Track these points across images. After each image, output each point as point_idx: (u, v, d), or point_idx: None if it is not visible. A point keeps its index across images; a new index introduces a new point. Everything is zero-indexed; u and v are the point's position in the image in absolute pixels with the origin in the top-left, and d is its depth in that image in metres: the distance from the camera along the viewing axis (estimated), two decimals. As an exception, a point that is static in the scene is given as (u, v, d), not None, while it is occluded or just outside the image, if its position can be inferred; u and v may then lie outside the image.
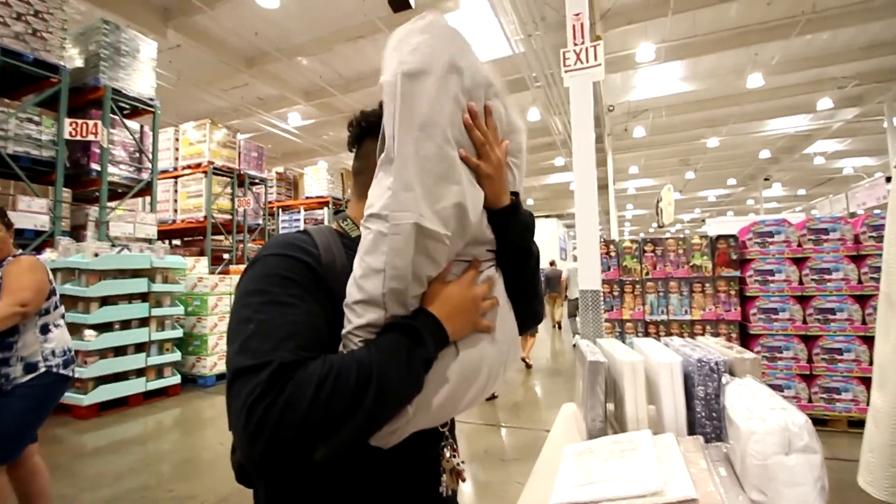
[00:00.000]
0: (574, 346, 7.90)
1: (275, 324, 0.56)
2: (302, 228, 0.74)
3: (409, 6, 5.74)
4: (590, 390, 1.24)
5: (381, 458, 0.68)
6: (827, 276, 3.41)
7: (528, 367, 6.45)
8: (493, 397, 5.15)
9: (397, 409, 0.59)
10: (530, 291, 0.84)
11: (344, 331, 0.61)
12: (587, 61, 3.30)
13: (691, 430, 1.17)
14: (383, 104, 0.66)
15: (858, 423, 3.39)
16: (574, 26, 3.32)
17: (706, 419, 1.15)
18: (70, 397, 4.36)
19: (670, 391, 1.18)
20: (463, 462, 0.76)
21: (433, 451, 0.74)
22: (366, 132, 0.78)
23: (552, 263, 10.08)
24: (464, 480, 0.76)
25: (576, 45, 3.32)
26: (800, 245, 3.53)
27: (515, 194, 0.79)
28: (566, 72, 3.36)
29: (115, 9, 6.44)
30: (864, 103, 10.26)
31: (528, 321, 0.85)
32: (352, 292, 0.62)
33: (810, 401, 3.42)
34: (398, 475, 0.70)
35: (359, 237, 0.76)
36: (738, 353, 1.24)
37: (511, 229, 0.77)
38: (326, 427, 0.51)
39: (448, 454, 0.74)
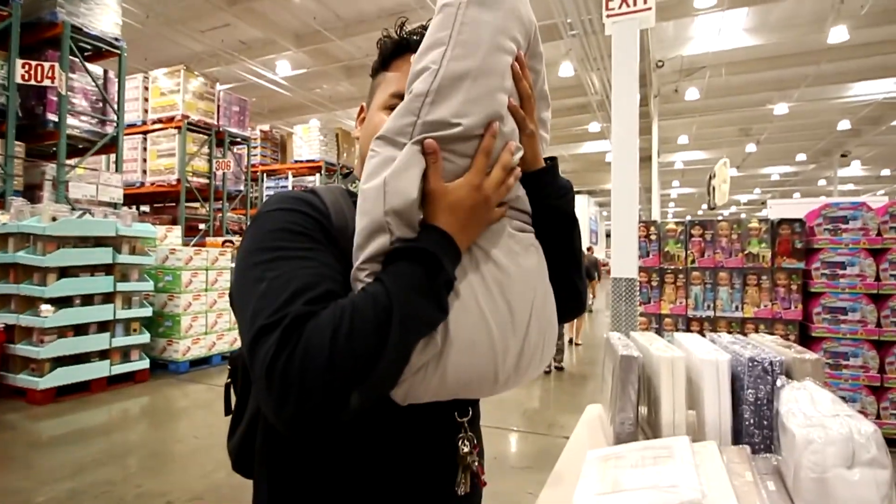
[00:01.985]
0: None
1: (288, 279, 0.58)
2: (307, 187, 0.75)
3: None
4: (620, 389, 1.25)
5: (390, 447, 0.71)
6: (910, 272, 3.36)
7: (577, 345, 8.04)
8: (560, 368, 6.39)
9: (426, 333, 0.61)
10: (574, 267, 0.84)
11: (352, 271, 0.63)
12: (634, 4, 3.23)
13: (737, 440, 1.18)
14: (430, 30, 0.68)
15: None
16: (621, -39, 3.24)
17: (755, 427, 1.16)
18: (24, 380, 4.51)
19: (715, 394, 1.18)
20: (483, 461, 0.78)
21: (448, 445, 0.75)
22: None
23: (589, 249, 10.07)
24: (483, 484, 0.78)
25: (622, -17, 3.24)
26: (880, 234, 3.46)
27: (552, 158, 0.82)
28: (609, 16, 3.29)
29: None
30: (970, 66, 9.92)
31: (569, 305, 0.85)
32: (356, 224, 0.64)
33: (879, 416, 3.41)
34: (407, 466, 0.72)
35: None
36: (797, 352, 1.23)
37: (552, 192, 0.79)
38: (355, 369, 0.54)
39: (465, 449, 0.75)
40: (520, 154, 0.71)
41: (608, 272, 9.34)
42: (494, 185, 0.66)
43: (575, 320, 7.89)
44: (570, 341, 7.98)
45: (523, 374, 0.72)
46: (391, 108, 0.73)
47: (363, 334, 0.54)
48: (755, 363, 1.15)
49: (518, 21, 0.71)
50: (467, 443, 0.76)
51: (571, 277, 0.83)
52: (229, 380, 0.83)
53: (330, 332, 0.53)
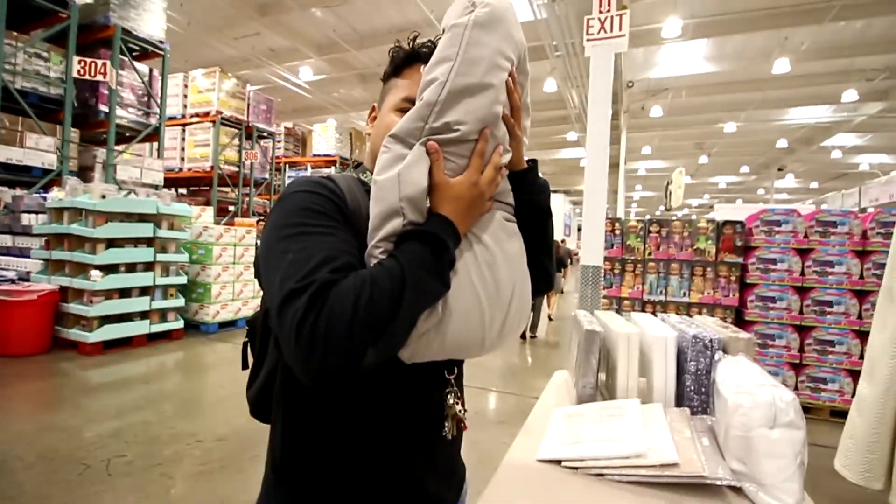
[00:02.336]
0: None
1: (312, 251, 0.58)
2: (325, 175, 0.74)
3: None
4: (584, 358, 1.26)
5: (390, 397, 0.72)
6: (829, 270, 3.40)
7: (550, 319, 8.03)
8: (533, 336, 6.56)
9: (432, 303, 0.62)
10: (545, 252, 0.86)
11: (368, 248, 0.64)
12: (611, 31, 3.19)
13: (679, 403, 1.19)
14: (440, 46, 0.68)
15: (841, 413, 3.46)
16: (601, -8, 3.19)
17: (694, 393, 1.17)
18: (76, 334, 4.48)
19: (662, 364, 1.19)
20: (465, 411, 0.79)
21: (437, 397, 0.77)
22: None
23: (563, 241, 10.00)
24: (465, 428, 0.80)
25: (601, 12, 3.19)
26: (806, 236, 3.50)
27: (533, 161, 0.83)
28: (588, 40, 3.25)
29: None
30: (891, 98, 9.93)
31: (540, 284, 0.86)
32: (371, 209, 0.65)
33: (796, 388, 3.48)
34: (404, 413, 0.74)
35: None
36: (732, 332, 1.25)
37: (532, 189, 0.80)
38: (373, 331, 0.55)
39: (451, 401, 0.77)
40: (508, 156, 0.73)
41: (578, 260, 9.42)
42: (487, 181, 0.67)
43: (551, 298, 8.20)
44: (549, 316, 8.13)
45: (503, 340, 0.74)
46: (402, 110, 0.73)
47: (380, 302, 0.55)
48: (697, 340, 1.16)
49: (512, 42, 0.71)
50: (453, 396, 0.78)
51: (542, 261, 0.84)
52: (247, 339, 0.83)
53: (352, 298, 0.54)
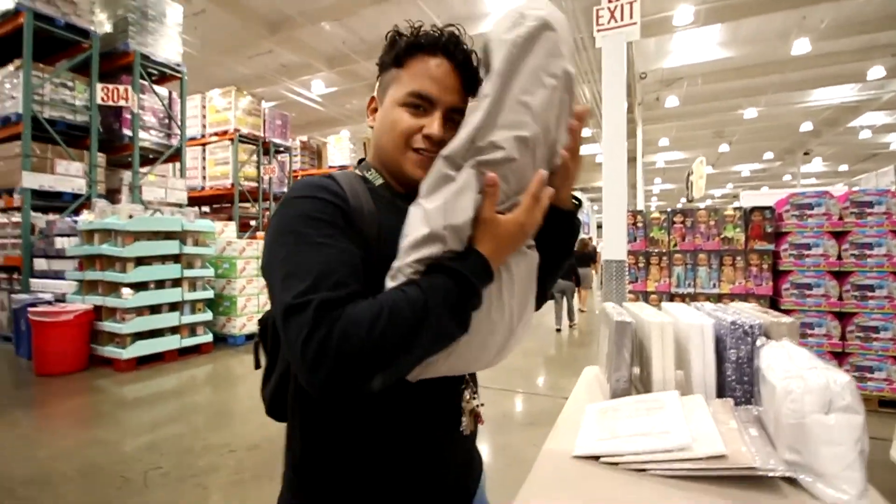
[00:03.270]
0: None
1: (311, 263, 0.58)
2: (326, 174, 0.73)
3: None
4: (615, 351, 1.22)
5: (407, 396, 0.70)
6: (868, 252, 3.24)
7: (582, 311, 8.57)
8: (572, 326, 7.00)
9: (446, 345, 0.62)
10: (551, 280, 0.85)
11: (397, 263, 0.63)
12: (622, 19, 3.13)
13: (720, 394, 1.14)
14: (495, 62, 0.67)
15: (890, 403, 3.28)
16: (610, -18, 3.14)
17: (736, 382, 1.12)
18: (110, 351, 4.61)
19: (700, 353, 1.14)
20: (482, 404, 0.79)
21: (454, 393, 0.77)
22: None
23: (590, 239, 9.86)
24: (482, 422, 0.79)
25: (610, 1, 3.14)
26: (841, 218, 3.35)
27: (577, 200, 0.81)
28: (599, 31, 3.20)
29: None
30: (921, 72, 9.50)
31: (538, 303, 0.86)
32: (411, 225, 0.64)
33: (840, 379, 3.33)
34: (421, 413, 0.73)
35: (382, 185, 0.75)
36: (774, 317, 1.19)
37: (570, 232, 0.80)
38: (384, 359, 0.55)
39: (468, 396, 0.77)
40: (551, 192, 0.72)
41: (600, 257, 9.38)
42: (534, 224, 0.67)
43: (581, 293, 8.59)
44: (579, 309, 8.43)
45: (506, 357, 0.75)
46: (408, 105, 0.71)
47: (396, 333, 0.55)
48: (736, 326, 1.11)
49: (559, 60, 0.69)
50: (469, 391, 0.78)
51: (546, 284, 0.82)
52: (258, 338, 0.82)
53: (368, 323, 0.54)
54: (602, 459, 0.93)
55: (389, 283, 0.62)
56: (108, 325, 4.66)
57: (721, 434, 0.88)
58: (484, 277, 0.63)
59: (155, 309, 4.88)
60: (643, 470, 0.88)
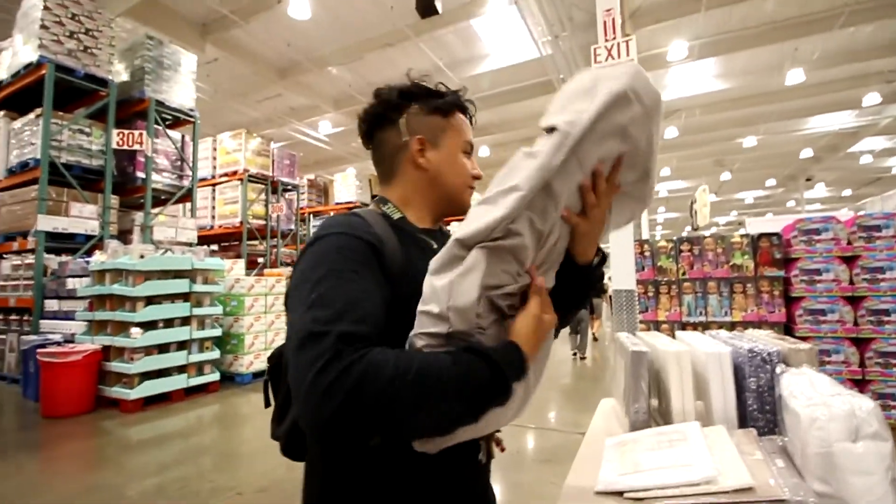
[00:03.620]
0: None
1: (338, 295, 0.59)
2: (351, 211, 0.76)
3: (437, 12, 5.81)
4: (632, 382, 1.21)
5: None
6: (880, 276, 3.21)
7: (595, 339, 8.89)
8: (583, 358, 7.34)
9: (456, 428, 0.62)
10: (565, 325, 0.89)
11: (413, 332, 0.65)
12: (619, 57, 3.25)
13: (742, 425, 1.12)
14: (541, 150, 0.68)
15: (918, 433, 3.16)
16: (605, 22, 3.28)
17: (758, 412, 1.10)
18: (117, 392, 4.58)
19: (719, 383, 1.13)
20: (499, 431, 0.79)
21: None
22: (373, 127, 0.87)
23: None
24: (502, 449, 0.79)
25: (607, 41, 3.27)
26: (849, 243, 3.34)
27: (601, 251, 0.83)
28: (597, 68, 3.31)
29: (158, 25, 6.77)
30: (916, 97, 9.68)
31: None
32: (424, 298, 0.66)
33: (863, 408, 3.23)
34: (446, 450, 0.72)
35: (401, 219, 0.79)
36: (791, 343, 1.18)
37: (586, 284, 0.83)
38: (394, 415, 0.54)
39: None
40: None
41: (607, 288, 9.33)
42: (551, 323, 0.70)
43: (594, 322, 8.95)
44: (593, 336, 8.86)
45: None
46: (466, 153, 0.87)
47: (417, 394, 0.54)
48: (754, 353, 1.10)
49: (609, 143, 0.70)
50: None
51: (560, 327, 0.86)
52: (267, 377, 0.82)
53: (392, 371, 0.53)
54: (626, 495, 0.91)
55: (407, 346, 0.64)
56: (115, 366, 4.64)
57: (747, 465, 0.86)
58: (519, 373, 0.64)
59: (163, 348, 4.87)
60: (669, 505, 0.86)
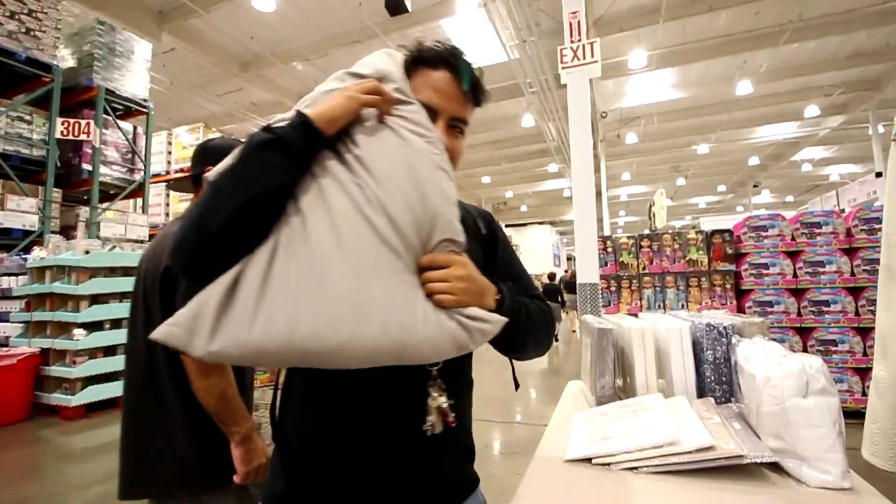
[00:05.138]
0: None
1: None
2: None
3: (406, 10, 5.80)
4: (599, 357, 1.24)
5: (365, 388, 0.70)
6: (821, 269, 3.45)
7: (574, 331, 9.34)
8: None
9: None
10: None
11: None
12: (584, 58, 3.35)
13: (701, 395, 1.17)
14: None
15: (854, 414, 3.40)
16: (571, 24, 3.37)
17: (716, 383, 1.15)
18: (57, 398, 4.26)
19: (679, 356, 1.18)
20: (452, 402, 0.72)
21: (418, 390, 0.71)
22: None
23: (552, 277, 10.06)
24: (451, 423, 0.71)
25: (573, 42, 3.37)
26: (793, 239, 3.58)
27: (500, 292, 0.72)
28: (563, 68, 3.40)
29: (110, 11, 6.41)
30: (850, 111, 10.50)
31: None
32: None
33: (807, 394, 3.45)
34: (378, 408, 0.71)
35: None
36: (746, 318, 1.24)
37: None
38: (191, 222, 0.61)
39: (435, 394, 0.71)
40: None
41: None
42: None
43: (570, 313, 9.50)
44: (573, 331, 9.48)
45: (364, 342, 0.57)
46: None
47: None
48: (711, 327, 1.15)
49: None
50: (437, 388, 0.71)
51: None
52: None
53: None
54: (594, 461, 0.93)
55: None
56: (56, 370, 4.32)
57: (707, 429, 0.90)
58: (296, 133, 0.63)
59: (110, 350, 4.58)
60: (635, 468, 0.88)
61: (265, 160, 0.60)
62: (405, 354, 0.58)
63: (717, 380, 1.15)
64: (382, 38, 7.28)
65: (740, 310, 3.60)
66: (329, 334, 0.54)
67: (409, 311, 0.59)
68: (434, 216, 0.63)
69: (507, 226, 20.20)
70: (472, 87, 0.77)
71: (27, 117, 5.45)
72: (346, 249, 0.58)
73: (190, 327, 0.54)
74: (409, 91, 0.72)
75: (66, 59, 6.01)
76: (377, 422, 0.70)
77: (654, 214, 10.04)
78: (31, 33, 5.35)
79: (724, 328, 1.16)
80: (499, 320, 0.66)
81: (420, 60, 0.77)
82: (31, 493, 2.79)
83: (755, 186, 17.16)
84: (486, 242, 0.85)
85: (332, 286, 0.56)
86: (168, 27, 7.11)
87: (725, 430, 0.90)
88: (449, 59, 0.76)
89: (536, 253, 20.48)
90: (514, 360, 0.86)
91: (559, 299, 8.93)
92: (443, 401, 0.71)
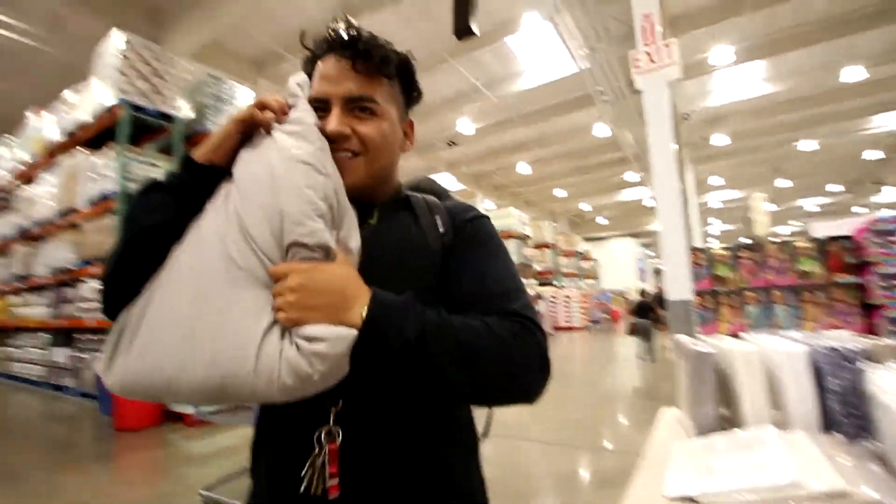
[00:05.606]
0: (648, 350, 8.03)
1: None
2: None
3: (474, 34, 5.93)
4: (697, 383, 1.15)
5: (274, 428, 0.71)
6: (974, 279, 2.89)
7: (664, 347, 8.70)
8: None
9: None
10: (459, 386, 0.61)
11: None
12: (660, 61, 3.20)
13: (824, 430, 1.03)
14: None
15: None
16: (644, 27, 3.25)
17: (843, 416, 1.01)
18: (180, 406, 4.81)
19: (795, 384, 1.05)
20: (335, 469, 0.55)
21: (306, 437, 0.58)
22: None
23: (643, 293, 9.63)
24: (331, 494, 0.55)
25: (646, 45, 3.24)
26: (934, 244, 3.04)
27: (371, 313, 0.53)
28: (636, 73, 3.28)
29: (215, 63, 7.36)
30: None
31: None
32: None
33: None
34: (281, 457, 0.65)
35: None
36: (877, 340, 1.08)
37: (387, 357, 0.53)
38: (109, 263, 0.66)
39: (322, 443, 0.57)
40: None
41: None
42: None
43: (662, 328, 8.56)
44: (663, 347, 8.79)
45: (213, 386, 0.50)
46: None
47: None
48: (835, 351, 1.02)
49: None
50: (327, 437, 0.57)
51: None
52: None
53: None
54: (699, 500, 0.85)
55: None
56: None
57: (836, 470, 0.79)
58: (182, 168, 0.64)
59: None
60: (749, 510, 0.80)
61: (147, 202, 0.62)
62: (242, 392, 0.49)
63: (844, 413, 1.01)
64: (451, 62, 7.52)
65: (869, 330, 3.12)
66: (166, 367, 0.50)
67: (245, 339, 0.50)
68: (282, 218, 0.54)
69: (585, 239, 19.48)
70: (365, 57, 0.67)
71: (156, 163, 6.37)
72: (195, 273, 0.54)
73: (103, 359, 0.57)
74: (305, 95, 0.68)
75: (183, 109, 6.96)
76: (278, 473, 0.64)
77: (752, 221, 9.12)
78: (158, 90, 6.29)
79: (852, 352, 1.02)
80: (338, 337, 0.49)
81: (313, 59, 0.73)
82: (162, 491, 3.17)
83: (874, 183, 14.93)
84: (444, 243, 0.70)
85: (172, 315, 0.53)
86: (264, 74, 7.97)
87: (860, 474, 0.79)
88: (333, 43, 0.69)
89: (619, 267, 19.41)
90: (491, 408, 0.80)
91: (650, 316, 8.52)
92: (320, 461, 0.55)
